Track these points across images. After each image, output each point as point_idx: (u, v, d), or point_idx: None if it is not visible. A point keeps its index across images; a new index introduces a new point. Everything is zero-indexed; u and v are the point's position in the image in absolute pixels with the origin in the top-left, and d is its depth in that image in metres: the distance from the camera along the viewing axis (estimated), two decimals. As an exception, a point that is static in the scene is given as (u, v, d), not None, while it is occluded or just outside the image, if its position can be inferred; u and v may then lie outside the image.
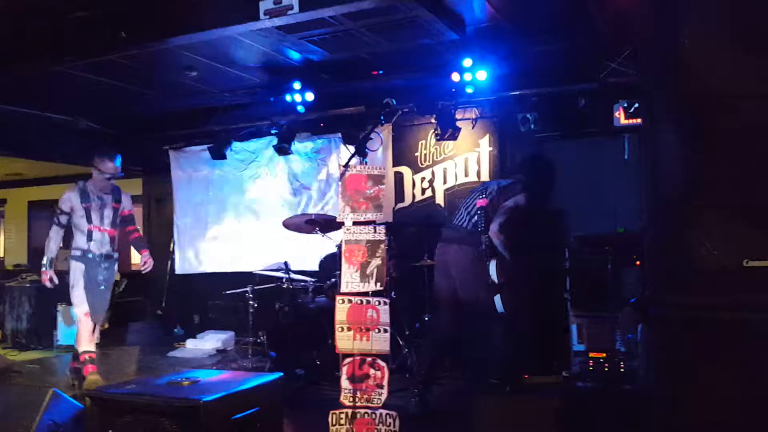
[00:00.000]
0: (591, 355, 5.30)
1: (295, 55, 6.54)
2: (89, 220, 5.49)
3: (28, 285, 8.61)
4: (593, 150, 6.70)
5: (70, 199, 5.49)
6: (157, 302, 9.08)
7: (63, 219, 5.50)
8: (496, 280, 4.43)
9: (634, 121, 6.02)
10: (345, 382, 3.57)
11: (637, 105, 5.97)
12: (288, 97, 7.24)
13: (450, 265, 4.67)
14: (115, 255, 5.74)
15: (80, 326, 5.42)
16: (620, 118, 6.14)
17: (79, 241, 5.51)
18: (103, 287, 5.54)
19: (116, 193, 5.70)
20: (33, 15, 5.48)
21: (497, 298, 4.44)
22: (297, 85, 7.11)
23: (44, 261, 5.43)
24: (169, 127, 8.80)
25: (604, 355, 5.27)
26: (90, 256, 5.49)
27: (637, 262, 5.23)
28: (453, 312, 4.78)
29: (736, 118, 2.17)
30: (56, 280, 5.47)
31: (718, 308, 2.18)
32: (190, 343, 7.73)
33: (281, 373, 3.74)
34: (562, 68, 6.50)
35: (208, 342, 7.65)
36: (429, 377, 4.79)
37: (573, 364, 5.37)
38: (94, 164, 5.54)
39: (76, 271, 5.47)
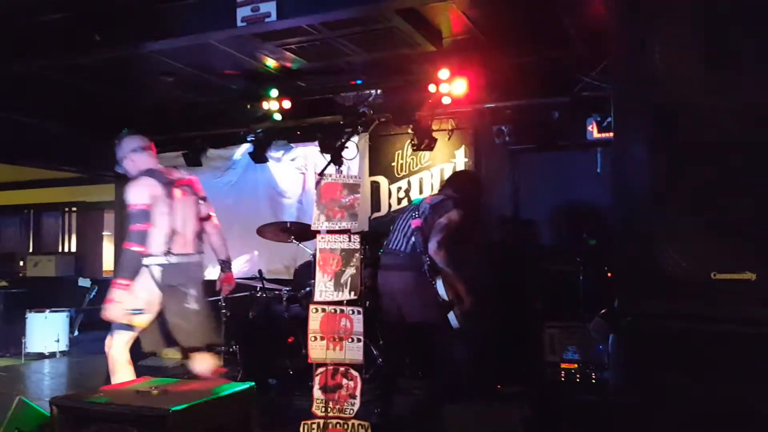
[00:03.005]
0: (562, 365, 5.35)
1: (272, 63, 6.54)
2: None
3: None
4: (566, 162, 6.79)
5: None
6: (127, 310, 8.93)
7: None
8: (446, 298, 4.38)
9: (607, 134, 6.12)
10: (317, 392, 3.56)
11: (609, 119, 6.06)
12: (264, 105, 7.22)
13: (395, 292, 4.60)
14: None
15: None
16: (593, 131, 6.24)
17: None
18: None
19: None
20: (6, 15, 5.40)
21: (451, 315, 4.38)
22: (273, 93, 7.10)
23: None
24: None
25: (575, 366, 5.32)
26: None
27: (609, 274, 5.30)
28: (405, 337, 4.75)
29: (705, 132, 2.21)
30: None
31: (687, 319, 2.22)
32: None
33: (253, 383, 3.71)
34: (536, 81, 6.58)
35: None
36: (390, 388, 4.73)
37: (545, 375, 5.40)
38: None
39: None
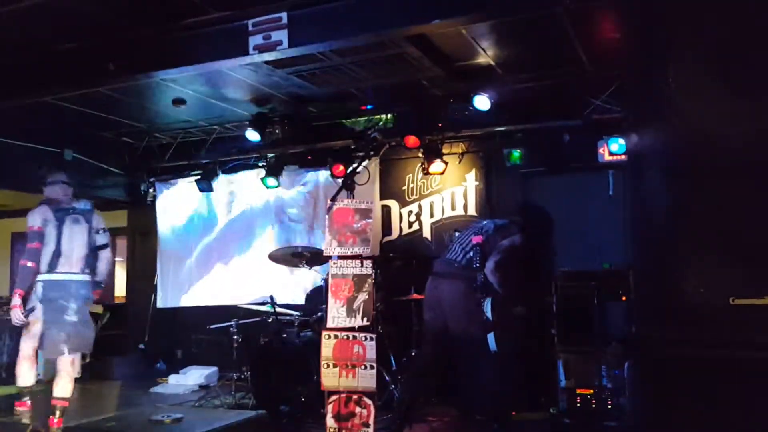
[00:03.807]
0: (578, 391, 5.27)
1: (283, 89, 6.60)
2: None
3: (8, 318, 8.43)
4: (578, 185, 6.76)
5: None
6: (139, 336, 8.94)
7: None
8: (490, 318, 4.39)
9: (619, 157, 6.10)
10: (330, 421, 3.52)
11: (621, 142, 6.05)
12: (275, 130, 7.27)
13: (442, 299, 4.63)
14: None
15: None
16: (604, 154, 6.23)
17: None
18: None
19: None
20: (22, 46, 5.50)
21: (491, 336, 4.39)
22: (284, 119, 7.16)
23: None
24: (156, 159, 8.79)
25: (591, 391, 5.23)
26: None
27: (623, 298, 5.23)
28: (439, 348, 4.73)
29: (722, 157, 2.20)
30: None
31: (705, 345, 2.18)
32: (172, 379, 7.59)
33: (264, 410, 3.68)
34: (547, 105, 6.59)
35: (191, 377, 7.51)
36: (407, 415, 4.70)
37: (560, 401, 5.32)
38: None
39: None
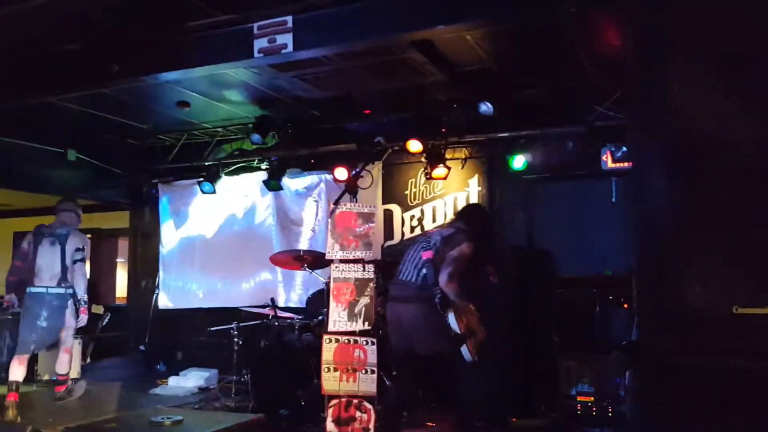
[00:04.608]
0: (579, 398, 5.26)
1: (287, 93, 6.61)
2: None
3: (9, 317, 8.44)
4: (580, 192, 6.75)
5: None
6: (140, 337, 8.94)
7: None
8: (458, 331, 4.31)
9: (622, 164, 6.09)
10: (330, 425, 3.52)
11: (624, 149, 6.05)
12: (279, 133, 7.28)
13: (402, 323, 4.52)
14: None
15: None
16: (608, 161, 6.21)
17: None
18: None
19: None
20: (26, 47, 5.51)
21: (464, 349, 4.30)
22: (289, 122, 7.16)
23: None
24: (159, 161, 8.80)
25: (592, 398, 5.23)
26: None
27: (625, 305, 5.23)
28: (416, 370, 4.66)
29: (725, 163, 2.19)
30: None
31: (707, 353, 2.18)
32: (172, 381, 7.58)
33: (264, 414, 3.68)
34: (550, 111, 6.59)
35: (191, 380, 7.51)
36: (398, 421, 4.63)
37: (561, 407, 5.31)
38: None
39: None
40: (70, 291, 5.71)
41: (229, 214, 8.64)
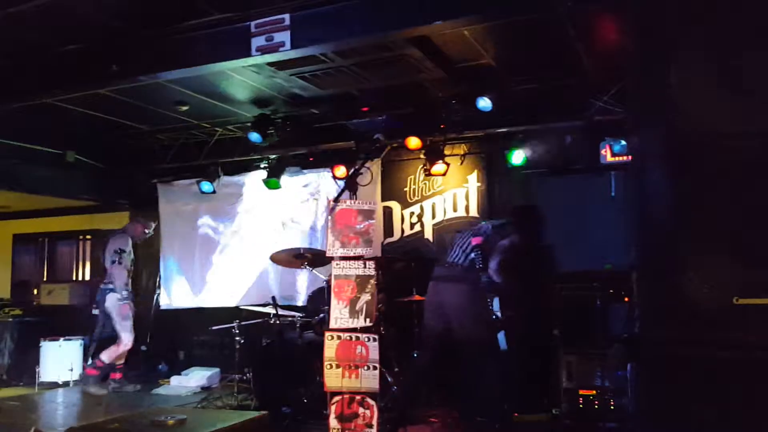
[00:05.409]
0: (581, 392, 5.26)
1: (285, 91, 6.60)
2: None
3: (10, 320, 8.45)
4: (580, 186, 6.75)
5: None
6: (141, 337, 8.93)
7: None
8: (500, 316, 4.44)
9: (621, 158, 6.09)
10: (333, 422, 3.52)
11: (623, 142, 6.05)
12: (277, 132, 7.27)
13: (444, 303, 4.63)
14: None
15: None
16: (607, 155, 6.21)
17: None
18: None
19: None
20: (24, 47, 5.50)
21: (501, 335, 4.42)
22: (287, 120, 7.16)
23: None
24: (158, 161, 8.79)
25: (594, 392, 5.23)
26: None
27: (626, 299, 5.23)
28: (439, 352, 4.74)
29: (725, 157, 2.20)
30: None
31: (708, 345, 2.18)
32: (174, 380, 7.59)
33: (266, 411, 3.68)
34: (549, 106, 6.59)
35: (193, 379, 7.52)
36: (404, 415, 4.69)
37: (562, 402, 5.32)
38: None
39: None
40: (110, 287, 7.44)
41: (229, 214, 8.64)
